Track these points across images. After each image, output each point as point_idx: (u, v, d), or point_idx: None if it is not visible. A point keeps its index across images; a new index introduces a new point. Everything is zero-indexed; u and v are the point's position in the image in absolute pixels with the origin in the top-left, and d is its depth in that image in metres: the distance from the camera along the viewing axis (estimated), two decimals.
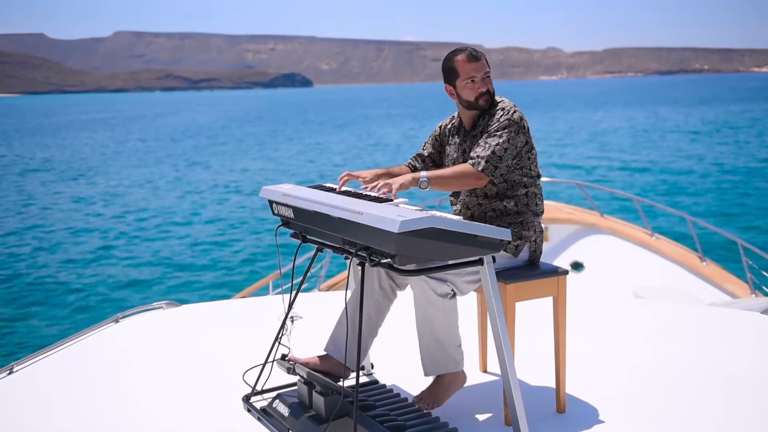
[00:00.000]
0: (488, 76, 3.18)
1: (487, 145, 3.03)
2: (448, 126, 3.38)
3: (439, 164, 3.41)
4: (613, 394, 3.39)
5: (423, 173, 2.97)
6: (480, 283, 3.03)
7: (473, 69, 3.15)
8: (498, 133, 3.04)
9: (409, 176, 2.96)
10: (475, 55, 3.17)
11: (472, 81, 3.15)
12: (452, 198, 3.36)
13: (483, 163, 3.00)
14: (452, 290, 2.98)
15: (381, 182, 2.95)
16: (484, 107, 3.19)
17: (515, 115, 3.08)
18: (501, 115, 3.09)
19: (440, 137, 3.40)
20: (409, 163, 3.45)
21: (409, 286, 3.34)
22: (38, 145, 46.30)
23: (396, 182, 2.92)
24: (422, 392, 3.15)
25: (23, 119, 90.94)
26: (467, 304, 4.09)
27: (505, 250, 3.11)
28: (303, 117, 79.71)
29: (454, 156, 3.29)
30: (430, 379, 3.60)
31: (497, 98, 3.21)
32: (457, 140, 3.30)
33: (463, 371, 3.16)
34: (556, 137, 43.48)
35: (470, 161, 3.04)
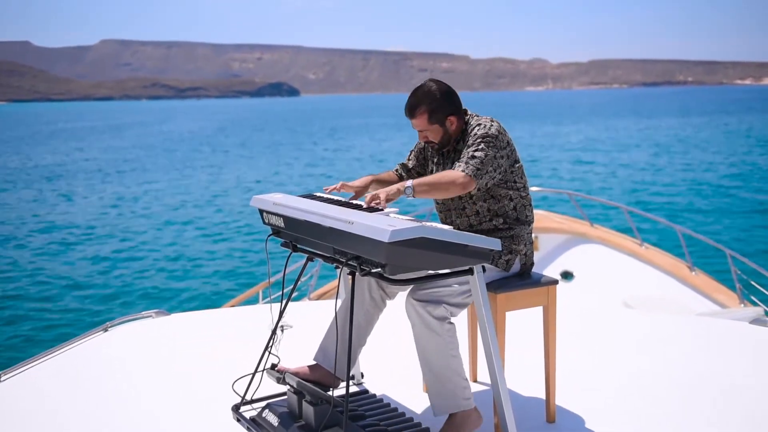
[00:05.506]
0: (428, 129, 3.13)
1: (469, 155, 2.99)
2: None
3: (423, 176, 3.37)
4: (602, 404, 3.40)
5: (408, 182, 2.92)
6: (471, 299, 3.02)
7: (412, 124, 3.18)
8: (480, 146, 3.00)
9: (393, 187, 2.92)
10: (408, 111, 3.15)
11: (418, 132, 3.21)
12: (441, 216, 3.32)
13: (466, 166, 2.95)
14: (449, 313, 2.91)
15: (369, 196, 2.93)
16: (435, 149, 3.23)
17: (492, 129, 3.04)
18: (478, 130, 3.05)
19: (424, 151, 3.39)
20: (396, 169, 3.44)
21: (398, 295, 3.33)
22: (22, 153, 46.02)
23: (382, 194, 2.90)
24: None
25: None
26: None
27: (495, 265, 3.09)
28: (289, 126, 79.61)
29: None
30: (418, 388, 3.60)
31: (475, 116, 3.17)
32: (437, 159, 3.29)
33: (476, 410, 3.00)
34: (543, 147, 43.67)
35: (455, 166, 2.98)
